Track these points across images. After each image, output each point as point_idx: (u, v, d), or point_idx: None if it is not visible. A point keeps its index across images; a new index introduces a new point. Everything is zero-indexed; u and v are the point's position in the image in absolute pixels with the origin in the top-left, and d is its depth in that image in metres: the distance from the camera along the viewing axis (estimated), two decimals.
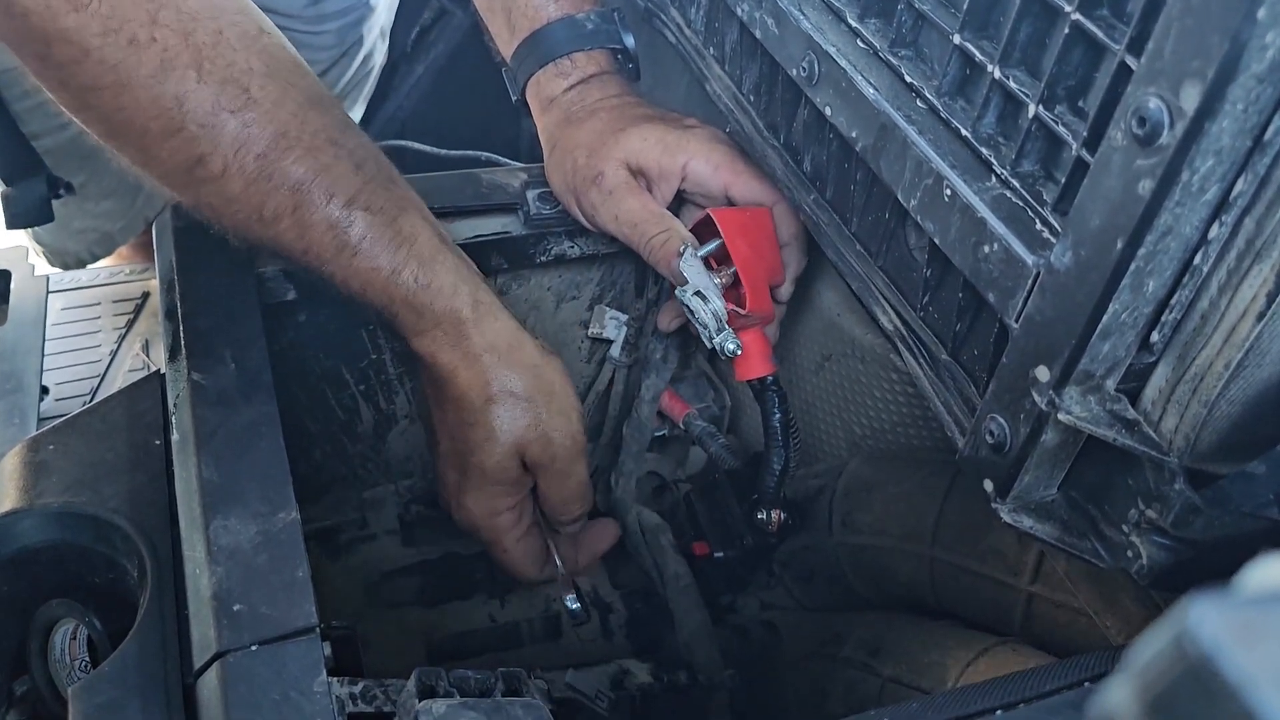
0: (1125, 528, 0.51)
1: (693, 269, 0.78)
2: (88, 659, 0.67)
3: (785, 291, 0.86)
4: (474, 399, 0.78)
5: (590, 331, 0.99)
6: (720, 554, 0.91)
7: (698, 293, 0.78)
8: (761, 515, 0.87)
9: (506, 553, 0.86)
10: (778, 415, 0.84)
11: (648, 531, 0.94)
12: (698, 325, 0.79)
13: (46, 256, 1.30)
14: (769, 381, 0.84)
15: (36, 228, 1.19)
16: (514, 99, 0.93)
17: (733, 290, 0.81)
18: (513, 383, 0.78)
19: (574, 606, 0.91)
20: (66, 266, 1.32)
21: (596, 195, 0.84)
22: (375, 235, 0.73)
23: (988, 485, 0.56)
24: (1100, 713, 0.18)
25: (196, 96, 0.67)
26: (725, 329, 0.79)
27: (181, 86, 0.67)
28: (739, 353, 0.79)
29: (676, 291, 0.80)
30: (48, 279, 1.29)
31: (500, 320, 0.78)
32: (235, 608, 0.57)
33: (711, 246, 0.80)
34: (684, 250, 0.79)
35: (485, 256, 0.89)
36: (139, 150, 0.70)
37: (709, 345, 0.79)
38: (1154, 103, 0.42)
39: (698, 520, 0.93)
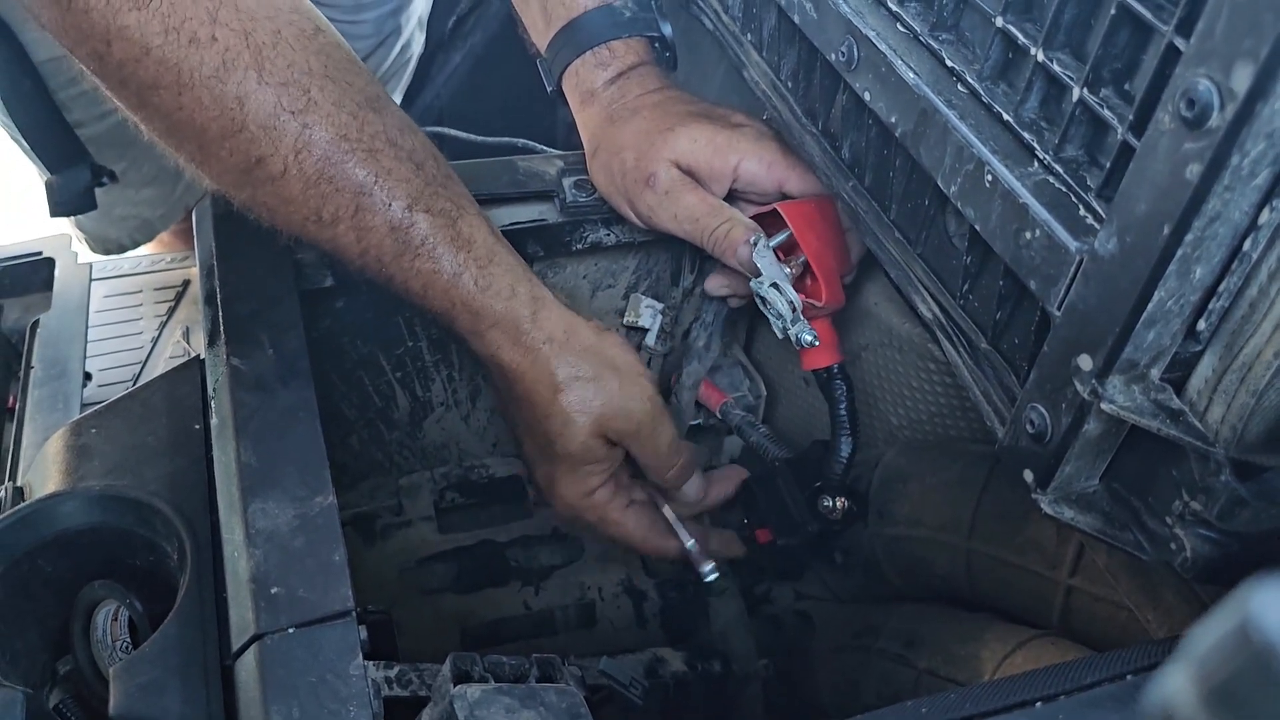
0: (1169, 520, 0.51)
1: (765, 260, 0.78)
2: (129, 640, 0.68)
3: (849, 277, 0.86)
4: (543, 391, 0.78)
5: (625, 320, 0.99)
6: (783, 541, 0.90)
7: (774, 284, 0.78)
8: (827, 503, 0.86)
9: (619, 526, 0.86)
10: (844, 404, 0.84)
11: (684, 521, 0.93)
12: (771, 316, 0.79)
13: (88, 243, 1.32)
14: (835, 370, 0.84)
15: (79, 215, 1.20)
16: (549, 89, 0.93)
17: (800, 281, 0.81)
18: (577, 368, 0.78)
19: (712, 578, 0.90)
20: (108, 252, 1.33)
21: (652, 197, 0.83)
22: (436, 239, 0.74)
23: (1028, 476, 0.56)
24: (1157, 702, 0.17)
25: (258, 97, 0.67)
26: (800, 320, 0.79)
27: (243, 87, 0.67)
28: (816, 344, 0.80)
29: (752, 284, 0.79)
30: (90, 267, 1.31)
31: (554, 310, 0.79)
32: (273, 590, 0.58)
33: (780, 238, 0.80)
34: (756, 241, 0.79)
35: (521, 244, 0.89)
36: (197, 149, 0.70)
37: (781, 335, 0.79)
38: (1203, 84, 0.41)
39: (758, 507, 0.92)
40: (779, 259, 0.80)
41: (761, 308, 0.80)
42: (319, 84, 0.69)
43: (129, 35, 0.64)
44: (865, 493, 0.90)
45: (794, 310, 0.78)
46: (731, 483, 0.93)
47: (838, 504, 0.86)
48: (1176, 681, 0.17)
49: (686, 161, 0.82)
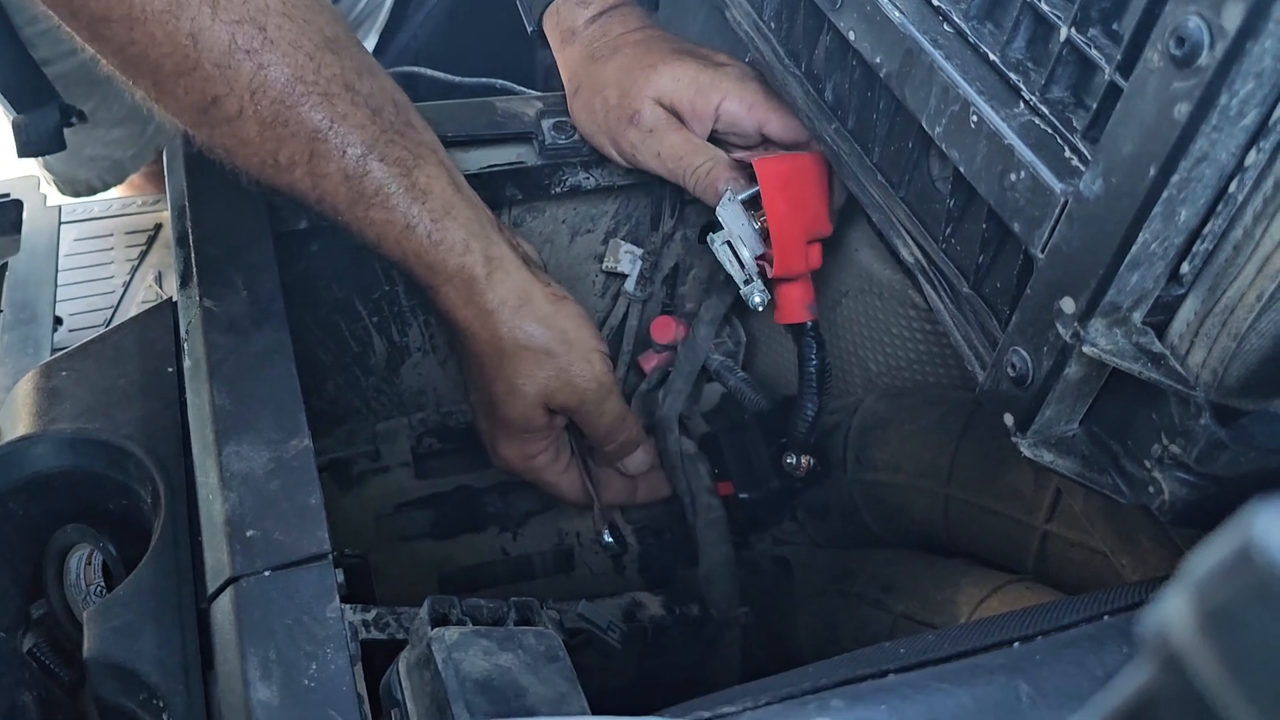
0: (1147, 463, 0.51)
1: (728, 213, 0.78)
2: (103, 583, 0.67)
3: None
4: (491, 355, 0.78)
5: (605, 265, 0.98)
6: (745, 495, 0.90)
7: (727, 242, 0.77)
8: (790, 460, 0.86)
9: (552, 486, 0.88)
10: (814, 362, 0.83)
11: (686, 459, 0.93)
12: (730, 270, 0.79)
13: (57, 185, 1.29)
14: (808, 327, 0.83)
15: (47, 156, 1.18)
16: (530, 29, 0.91)
17: (768, 237, 0.80)
18: (528, 336, 0.78)
19: (608, 540, 0.93)
20: (77, 194, 1.31)
21: (635, 135, 0.83)
22: (390, 189, 0.72)
23: (1008, 419, 0.55)
24: (1155, 625, 0.17)
25: (211, 34, 0.65)
26: (754, 280, 0.78)
27: (196, 24, 0.65)
28: (761, 308, 0.79)
29: (708, 238, 0.79)
30: (60, 209, 1.29)
31: (512, 274, 0.77)
32: (248, 533, 0.57)
33: (754, 190, 0.79)
34: (724, 192, 0.78)
35: (499, 187, 0.88)
36: (152, 86, 0.68)
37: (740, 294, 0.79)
38: (1194, 21, 0.41)
39: (723, 459, 0.92)
40: (748, 212, 0.79)
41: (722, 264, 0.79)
42: (276, 22, 0.67)
43: None
44: (832, 450, 0.90)
45: (745, 271, 0.78)
46: (663, 492, 0.95)
47: (802, 461, 0.86)
48: (1174, 605, 0.17)
49: (669, 99, 0.81)
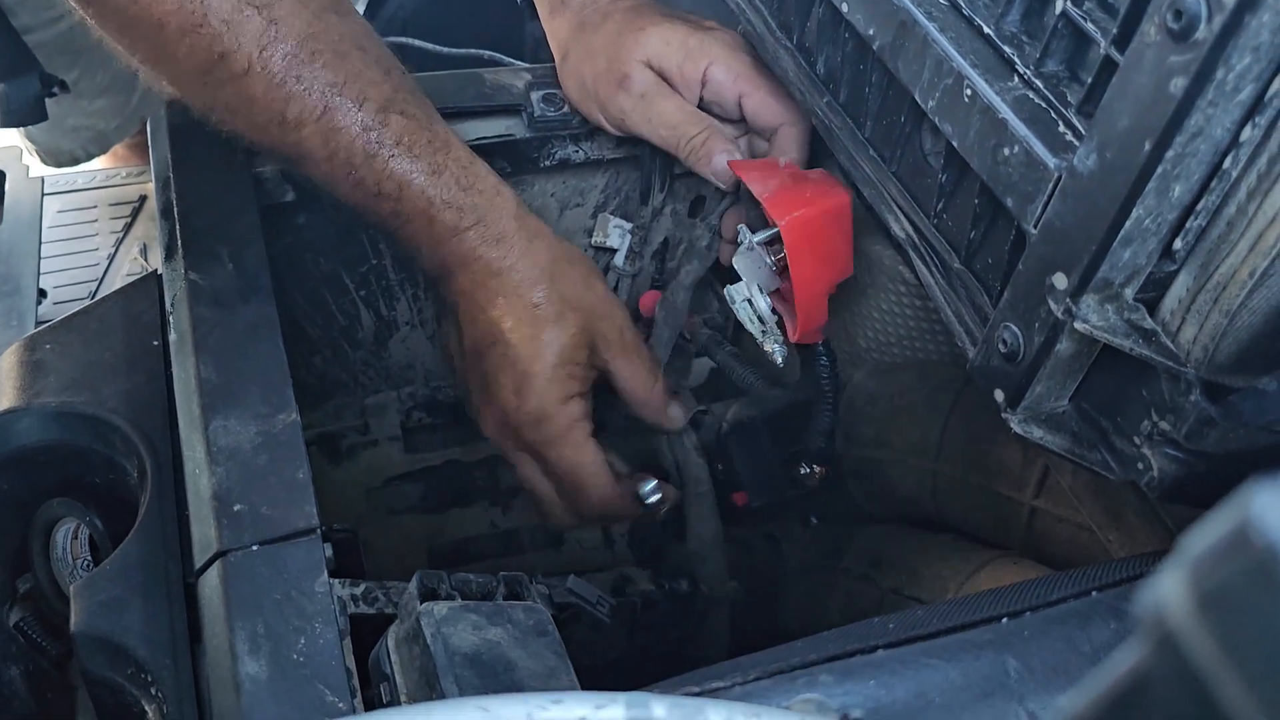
0: (1137, 439, 0.51)
1: (746, 263, 0.76)
2: (89, 558, 0.67)
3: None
4: (531, 284, 0.76)
5: (594, 240, 0.98)
6: (758, 504, 0.89)
7: (748, 300, 0.76)
8: (805, 470, 0.86)
9: (578, 448, 0.79)
10: (826, 378, 0.82)
11: (672, 431, 0.92)
12: (750, 330, 0.78)
13: (39, 155, 1.28)
14: (819, 348, 0.82)
15: (29, 126, 1.16)
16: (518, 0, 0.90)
17: (786, 271, 0.76)
18: (570, 261, 0.78)
19: (653, 499, 0.83)
20: (60, 165, 1.30)
21: (625, 100, 0.81)
22: (413, 138, 0.71)
23: (998, 395, 0.55)
24: (1150, 604, 0.17)
25: None
26: (773, 333, 0.77)
27: None
28: (782, 365, 0.78)
29: (726, 290, 0.77)
30: (43, 181, 1.28)
31: (534, 216, 0.78)
32: (236, 508, 0.57)
33: (772, 231, 0.75)
34: (742, 240, 0.77)
35: (487, 160, 0.87)
36: (153, 47, 0.67)
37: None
38: None
39: (734, 465, 0.90)
40: (767, 249, 0.76)
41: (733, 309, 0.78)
42: None
43: None
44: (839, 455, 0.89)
45: (763, 325, 0.76)
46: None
47: (816, 471, 0.85)
48: (1170, 584, 0.17)
49: (659, 63, 0.80)
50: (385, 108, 0.70)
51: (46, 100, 1.09)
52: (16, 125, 1.11)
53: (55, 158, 1.28)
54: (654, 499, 0.83)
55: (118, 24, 0.66)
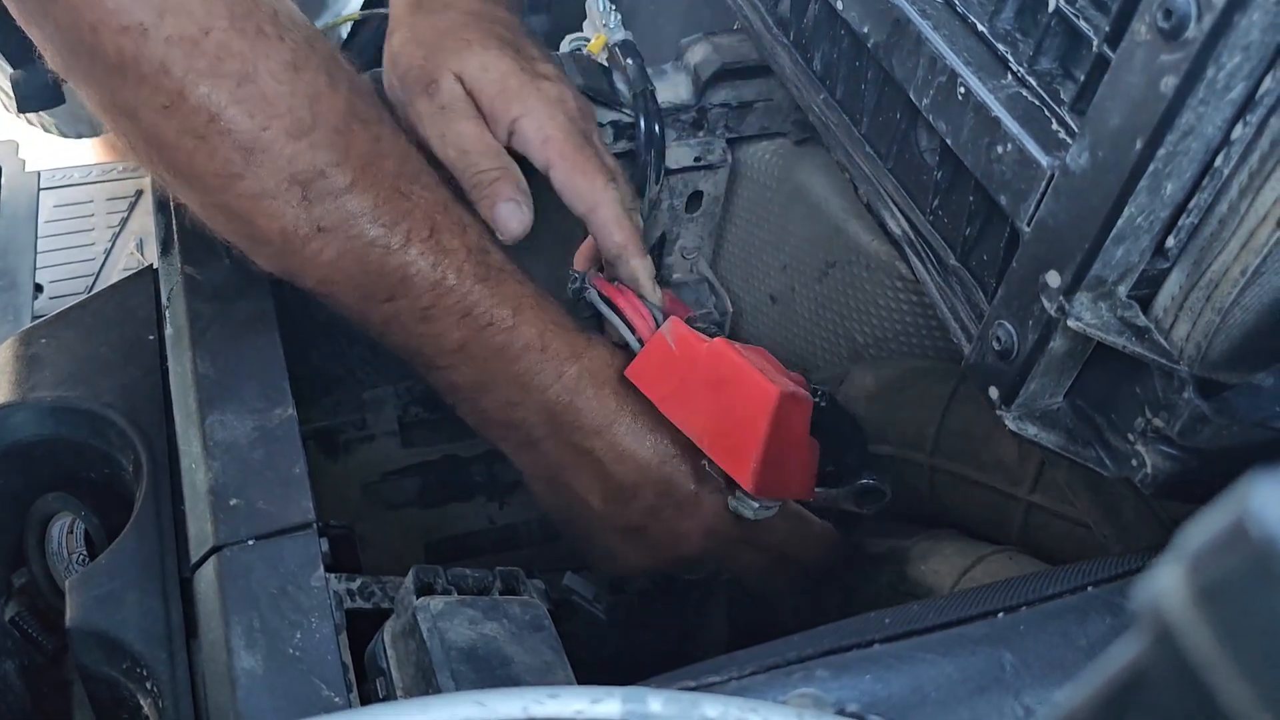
0: (1131, 436, 0.51)
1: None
2: (85, 552, 0.67)
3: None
4: (626, 417, 0.70)
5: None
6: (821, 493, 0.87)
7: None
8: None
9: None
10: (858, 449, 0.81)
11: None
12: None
13: (59, 129, 1.27)
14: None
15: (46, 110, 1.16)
16: None
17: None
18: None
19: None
20: (80, 136, 1.29)
21: (425, 105, 0.73)
22: (506, 257, 0.69)
23: (993, 392, 0.56)
24: (1148, 598, 0.17)
25: (331, 99, 0.62)
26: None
27: (314, 86, 0.61)
28: (757, 520, 0.72)
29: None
30: (39, 175, 1.28)
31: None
32: (232, 502, 0.57)
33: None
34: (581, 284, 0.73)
35: None
36: (244, 156, 0.60)
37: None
38: None
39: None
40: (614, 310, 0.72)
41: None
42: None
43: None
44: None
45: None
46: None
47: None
48: (1168, 578, 0.17)
49: (471, 85, 0.73)
50: (482, 228, 0.68)
51: (63, 83, 1.08)
52: (35, 110, 1.10)
53: (76, 129, 1.28)
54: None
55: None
